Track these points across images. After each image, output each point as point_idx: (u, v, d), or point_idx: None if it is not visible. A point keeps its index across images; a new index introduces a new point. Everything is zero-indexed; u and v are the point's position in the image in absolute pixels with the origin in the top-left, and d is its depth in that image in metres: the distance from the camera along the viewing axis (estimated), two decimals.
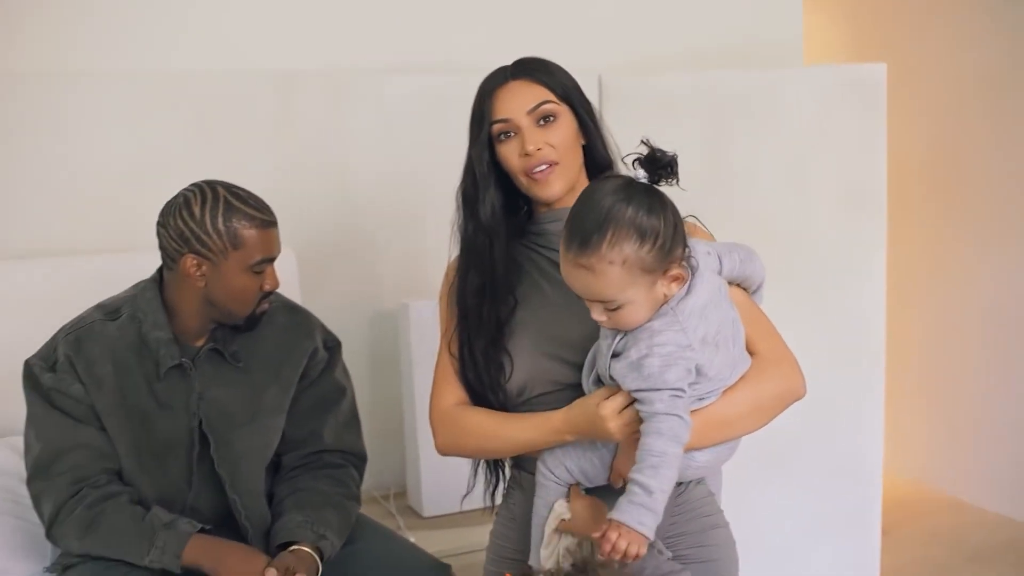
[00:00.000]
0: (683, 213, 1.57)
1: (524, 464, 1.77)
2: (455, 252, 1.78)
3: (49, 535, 1.91)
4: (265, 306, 1.97)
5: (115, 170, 2.66)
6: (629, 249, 1.45)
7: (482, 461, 1.85)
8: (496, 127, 1.67)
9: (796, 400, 1.69)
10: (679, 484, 1.66)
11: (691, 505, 1.70)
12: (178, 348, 1.96)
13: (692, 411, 1.54)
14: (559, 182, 1.67)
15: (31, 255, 2.56)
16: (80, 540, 1.85)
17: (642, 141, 1.51)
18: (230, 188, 1.94)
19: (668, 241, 1.48)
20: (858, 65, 3.38)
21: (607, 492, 1.63)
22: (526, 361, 1.67)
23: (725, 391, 1.60)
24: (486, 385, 1.69)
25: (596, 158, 1.73)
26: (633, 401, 1.52)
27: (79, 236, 2.62)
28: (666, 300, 1.51)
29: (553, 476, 1.67)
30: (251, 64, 2.80)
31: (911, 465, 4.24)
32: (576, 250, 1.47)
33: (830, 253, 3.15)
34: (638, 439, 1.51)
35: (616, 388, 1.54)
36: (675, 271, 1.50)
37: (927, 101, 4.09)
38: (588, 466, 1.64)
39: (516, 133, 1.66)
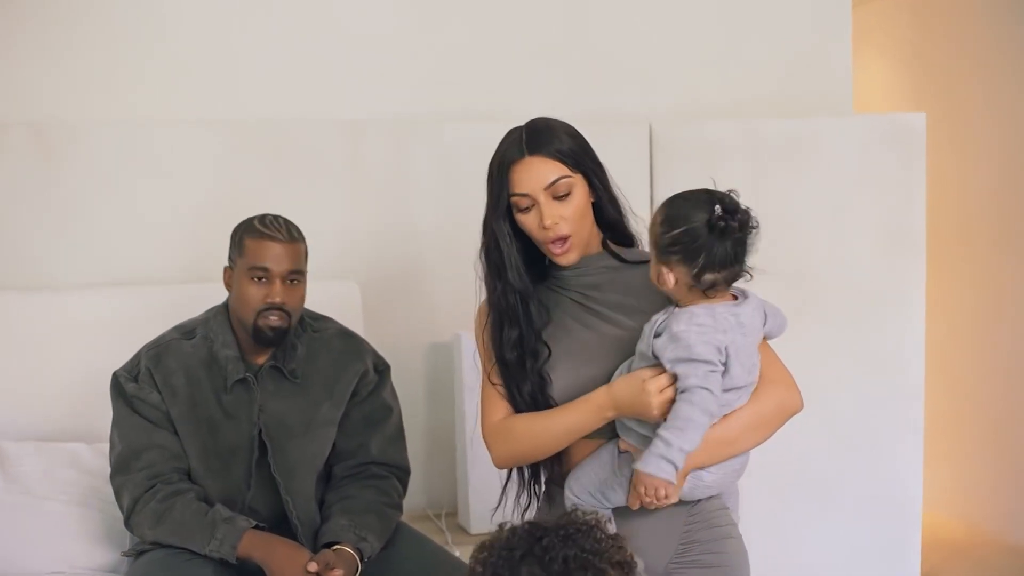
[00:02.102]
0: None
1: (556, 479, 1.90)
2: (482, 294, 1.94)
3: (127, 524, 2.18)
4: (274, 320, 2.17)
5: (194, 210, 2.93)
6: (656, 219, 1.74)
7: (514, 478, 1.97)
8: (515, 199, 1.79)
9: (794, 413, 1.85)
10: (695, 501, 1.82)
11: (703, 516, 1.83)
12: (243, 364, 2.23)
13: None
14: (574, 252, 1.82)
15: (118, 284, 2.85)
16: (152, 529, 2.11)
17: (729, 191, 1.72)
18: (267, 215, 2.24)
19: (672, 245, 1.70)
20: (899, 114, 3.52)
21: (633, 516, 1.80)
22: (569, 396, 1.82)
23: (727, 414, 1.77)
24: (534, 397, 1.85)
25: (606, 213, 1.87)
26: (674, 381, 1.70)
27: (160, 268, 2.90)
28: (675, 294, 1.74)
29: (579, 500, 1.84)
30: (321, 113, 3.07)
31: (954, 504, 4.25)
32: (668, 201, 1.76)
33: (871, 293, 3.27)
34: None
35: (660, 368, 1.72)
36: (665, 270, 1.72)
37: (968, 148, 4.17)
38: (608, 489, 1.81)
39: (533, 204, 1.78)
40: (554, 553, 1.31)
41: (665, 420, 1.70)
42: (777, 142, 3.33)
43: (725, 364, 1.72)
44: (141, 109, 2.94)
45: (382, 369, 2.38)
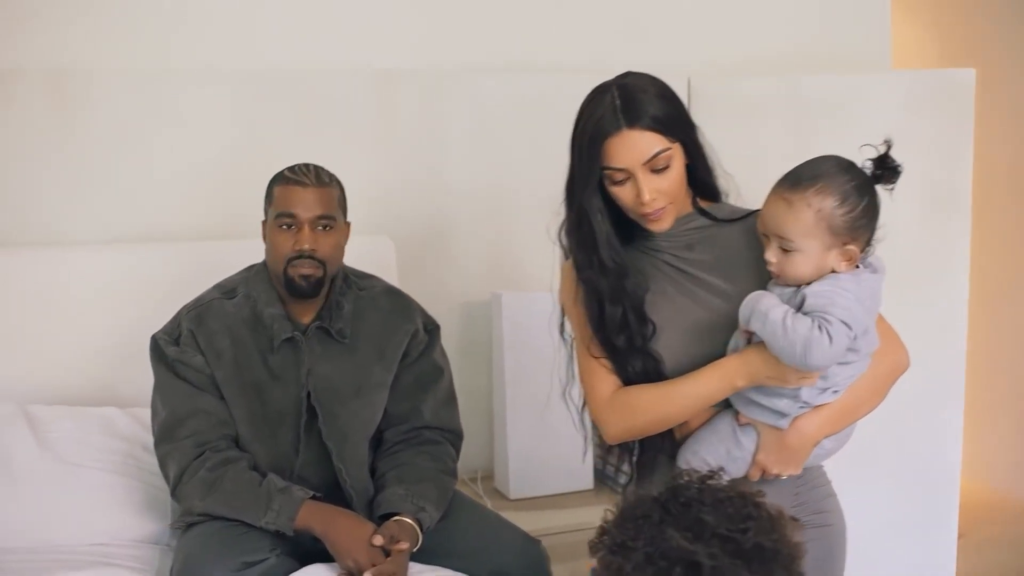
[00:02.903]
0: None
1: (662, 448, 1.79)
2: (555, 251, 1.86)
3: (174, 494, 2.06)
4: (305, 269, 2.05)
5: (217, 163, 2.80)
6: (830, 203, 1.59)
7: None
8: (609, 172, 1.67)
9: (903, 370, 1.80)
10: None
11: (808, 478, 1.79)
12: (290, 323, 2.10)
13: (823, 404, 1.68)
14: (670, 218, 1.71)
15: (138, 240, 2.72)
16: (202, 500, 2.00)
17: (884, 141, 1.65)
18: (299, 164, 2.12)
19: (859, 220, 1.61)
20: (946, 70, 3.40)
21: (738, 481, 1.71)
22: (679, 362, 1.72)
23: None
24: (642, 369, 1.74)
25: (698, 174, 1.75)
26: None
27: (183, 223, 2.77)
28: (832, 272, 1.63)
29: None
30: (351, 63, 2.93)
31: (989, 471, 4.21)
32: (786, 187, 1.63)
33: (913, 256, 3.18)
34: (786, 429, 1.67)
35: None
36: (851, 248, 1.62)
37: (1014, 106, 4.07)
38: (728, 462, 1.71)
39: (629, 177, 1.66)
40: (700, 504, 1.19)
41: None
42: (818, 99, 3.22)
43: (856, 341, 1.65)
44: (163, 58, 2.79)
45: (432, 329, 2.27)
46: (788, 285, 1.66)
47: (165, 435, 2.06)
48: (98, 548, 2.09)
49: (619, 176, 1.65)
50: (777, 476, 1.71)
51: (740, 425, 1.72)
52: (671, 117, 1.66)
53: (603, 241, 1.71)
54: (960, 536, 3.23)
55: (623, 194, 1.67)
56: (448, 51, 3.01)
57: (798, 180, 1.62)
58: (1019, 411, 4.17)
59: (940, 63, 4.19)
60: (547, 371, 2.71)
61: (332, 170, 2.17)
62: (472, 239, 3.01)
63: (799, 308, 1.61)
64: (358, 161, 2.83)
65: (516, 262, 3.01)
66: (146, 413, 2.27)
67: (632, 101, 1.65)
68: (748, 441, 1.72)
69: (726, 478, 1.67)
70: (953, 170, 3.23)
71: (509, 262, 3.01)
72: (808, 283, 1.64)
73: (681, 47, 3.24)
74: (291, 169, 2.12)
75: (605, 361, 1.75)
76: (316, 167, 2.14)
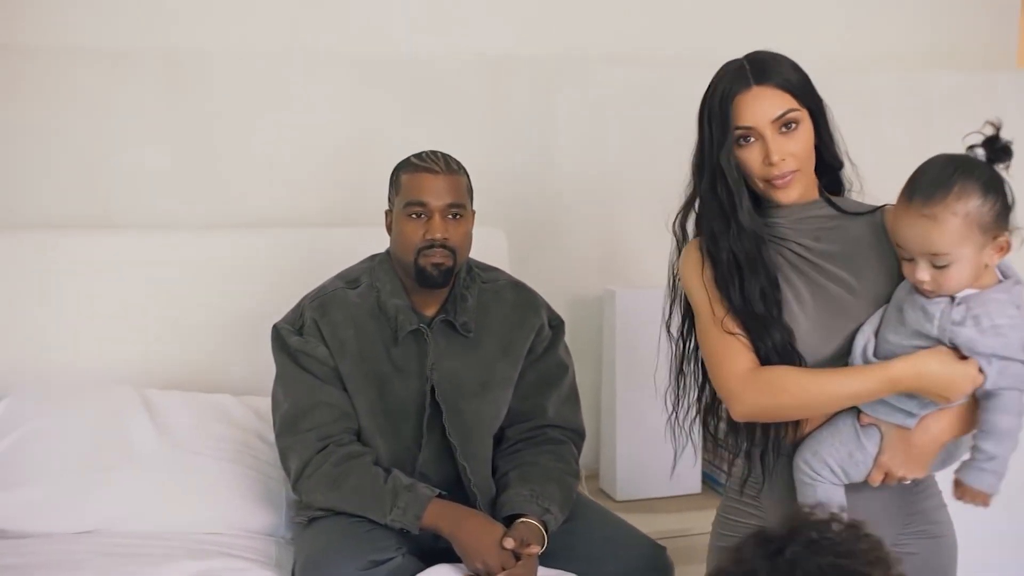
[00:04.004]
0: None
1: (780, 448, 1.74)
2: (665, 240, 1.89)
3: (295, 488, 2.01)
4: (438, 259, 2.00)
5: (328, 148, 2.76)
6: (974, 203, 1.53)
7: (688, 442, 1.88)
8: (738, 132, 1.66)
9: None
10: None
11: (923, 486, 1.74)
12: (415, 315, 2.05)
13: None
14: (798, 187, 1.68)
15: (259, 225, 2.68)
16: (325, 495, 1.95)
17: (989, 122, 1.59)
18: (425, 151, 2.07)
19: (1003, 208, 1.56)
20: None
21: (864, 489, 1.67)
22: (818, 350, 1.67)
23: None
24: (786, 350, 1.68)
25: (825, 156, 1.73)
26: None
27: (293, 209, 2.73)
28: (984, 273, 1.58)
29: (815, 474, 1.69)
30: (463, 49, 2.86)
31: None
32: (921, 200, 1.55)
33: None
34: (912, 427, 1.62)
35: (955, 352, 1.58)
36: (1003, 239, 1.57)
37: None
38: (850, 464, 1.67)
39: (757, 139, 1.66)
40: (806, 565, 1.12)
41: (979, 427, 1.61)
42: (940, 96, 3.11)
43: None
44: (275, 40, 2.75)
45: (556, 324, 2.21)
46: (941, 296, 1.58)
47: (287, 427, 2.02)
48: (214, 537, 2.05)
49: (748, 135, 1.65)
50: (901, 480, 1.66)
51: (863, 426, 1.66)
52: (801, 83, 1.67)
53: (740, 204, 1.68)
54: None
55: (751, 157, 1.66)
56: (561, 38, 2.93)
57: (931, 191, 1.55)
58: None
59: None
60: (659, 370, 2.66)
61: None
62: (584, 233, 2.93)
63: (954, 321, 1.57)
64: (469, 150, 2.75)
65: (629, 257, 2.94)
66: (261, 401, 2.24)
67: (760, 63, 1.67)
68: (871, 443, 1.66)
69: (846, 482, 1.66)
70: None
71: (622, 257, 2.93)
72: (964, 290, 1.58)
73: (800, 41, 3.11)
74: (419, 156, 2.07)
75: (742, 338, 1.67)
76: (444, 154, 2.08)
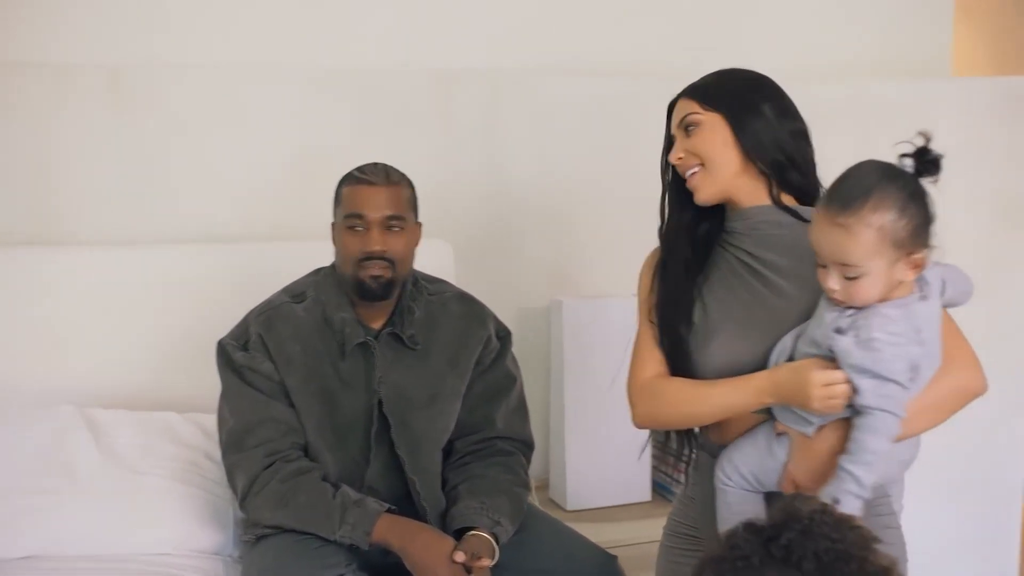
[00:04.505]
0: None
1: (709, 448, 1.81)
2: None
3: (242, 506, 1.99)
4: (376, 271, 2.00)
5: (282, 162, 2.74)
6: (888, 217, 1.49)
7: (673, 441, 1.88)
8: (670, 137, 1.82)
9: (975, 396, 1.69)
10: None
11: (868, 505, 1.67)
12: (361, 329, 2.04)
13: None
14: (703, 186, 1.74)
15: (197, 240, 2.66)
16: (273, 512, 1.93)
17: (919, 132, 1.57)
18: (369, 163, 2.07)
19: (921, 225, 1.52)
20: (1013, 78, 3.34)
21: (779, 498, 1.65)
22: (724, 355, 1.71)
23: None
24: (683, 355, 1.75)
25: (751, 157, 1.73)
26: (846, 381, 1.53)
27: (241, 224, 2.71)
28: (898, 287, 1.54)
29: (730, 481, 1.71)
30: (412, 62, 2.87)
31: None
32: (836, 209, 1.52)
33: (979, 264, 3.10)
34: (812, 437, 1.59)
35: (830, 362, 1.56)
36: (917, 256, 1.53)
37: None
38: (762, 471, 1.68)
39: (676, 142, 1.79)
40: (802, 550, 1.14)
41: (847, 446, 1.55)
42: (880, 105, 3.16)
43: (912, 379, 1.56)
44: (221, 54, 2.72)
45: (504, 335, 2.21)
46: (851, 307, 1.56)
47: (233, 444, 2.00)
48: (161, 558, 2.03)
49: (672, 139, 1.80)
50: (813, 492, 1.60)
51: (777, 434, 1.67)
52: (714, 88, 1.76)
53: (674, 204, 1.81)
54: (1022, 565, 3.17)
55: (671, 158, 1.79)
56: (509, 51, 2.94)
57: (848, 200, 1.51)
58: None
59: (1000, 71, 4.13)
60: (608, 380, 2.68)
61: None
62: (532, 244, 2.94)
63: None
64: (418, 163, 2.75)
65: (577, 268, 2.96)
66: (207, 419, 2.21)
67: (699, 79, 1.80)
68: (781, 451, 1.66)
69: (761, 490, 1.66)
70: (1019, 178, 3.16)
71: (570, 268, 2.95)
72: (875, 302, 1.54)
73: (743, 53, 3.16)
74: (360, 169, 2.07)
75: (655, 331, 1.78)
76: (386, 166, 2.08)
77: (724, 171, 1.73)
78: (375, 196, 2.01)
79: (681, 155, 1.75)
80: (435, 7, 2.89)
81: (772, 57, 3.18)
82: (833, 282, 1.55)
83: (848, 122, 3.12)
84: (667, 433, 1.89)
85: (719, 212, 1.79)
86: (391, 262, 2.01)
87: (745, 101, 1.74)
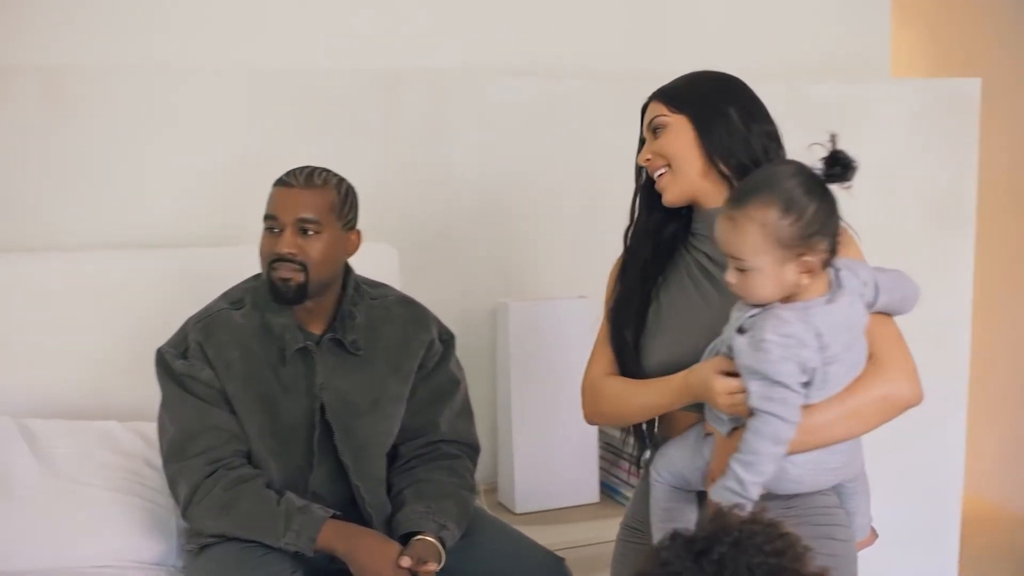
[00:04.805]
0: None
1: (658, 442, 1.83)
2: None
3: (185, 515, 1.96)
4: (286, 274, 1.97)
5: (218, 165, 2.70)
6: (772, 215, 1.52)
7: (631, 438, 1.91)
8: (641, 141, 1.85)
9: (907, 407, 1.66)
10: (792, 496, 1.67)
11: (801, 511, 1.68)
12: (301, 333, 2.03)
13: None
14: (671, 187, 1.77)
15: (138, 245, 2.61)
16: (216, 520, 1.91)
17: (830, 136, 1.57)
18: (299, 166, 2.05)
19: (812, 226, 1.52)
20: (951, 79, 3.40)
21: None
22: (672, 353, 1.73)
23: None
24: (629, 356, 1.80)
25: (714, 159, 1.74)
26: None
27: (192, 227, 2.66)
28: (796, 290, 1.55)
29: (660, 478, 1.75)
30: (356, 63, 2.85)
31: (995, 485, 4.19)
32: (730, 203, 1.58)
33: (917, 265, 3.13)
34: (729, 437, 1.61)
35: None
36: (808, 259, 1.53)
37: (1018, 116, 4.07)
38: (690, 470, 1.70)
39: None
40: (734, 564, 1.13)
41: (738, 444, 1.56)
42: (822, 105, 3.20)
43: (809, 381, 1.55)
44: (161, 55, 2.68)
45: (447, 339, 2.20)
46: (755, 305, 1.57)
47: (174, 453, 1.97)
48: (102, 570, 1.99)
49: (642, 141, 1.83)
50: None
51: (705, 434, 1.69)
52: (681, 90, 1.79)
53: (642, 205, 1.84)
54: (963, 558, 3.22)
55: (640, 159, 1.82)
56: (454, 52, 2.93)
57: (740, 196, 1.56)
58: (1020, 422, 4.17)
59: (937, 72, 4.20)
60: (554, 382, 2.68)
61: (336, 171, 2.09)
62: (478, 246, 2.93)
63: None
64: (362, 165, 2.73)
65: (524, 270, 2.95)
66: (149, 427, 2.18)
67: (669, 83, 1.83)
68: (707, 451, 1.67)
69: (690, 490, 1.69)
70: (958, 179, 3.22)
71: (516, 270, 2.95)
72: (774, 301, 1.55)
73: (687, 55, 3.18)
74: (288, 171, 2.05)
75: (608, 351, 1.83)
76: (314, 169, 2.05)
77: (689, 173, 1.75)
78: (290, 198, 1.99)
79: (649, 156, 1.79)
80: (380, 6, 2.88)
81: (715, 59, 3.19)
82: (730, 275, 1.58)
83: (789, 123, 3.15)
84: (626, 431, 1.92)
85: (689, 214, 1.81)
86: (303, 265, 1.98)
87: (711, 103, 1.76)
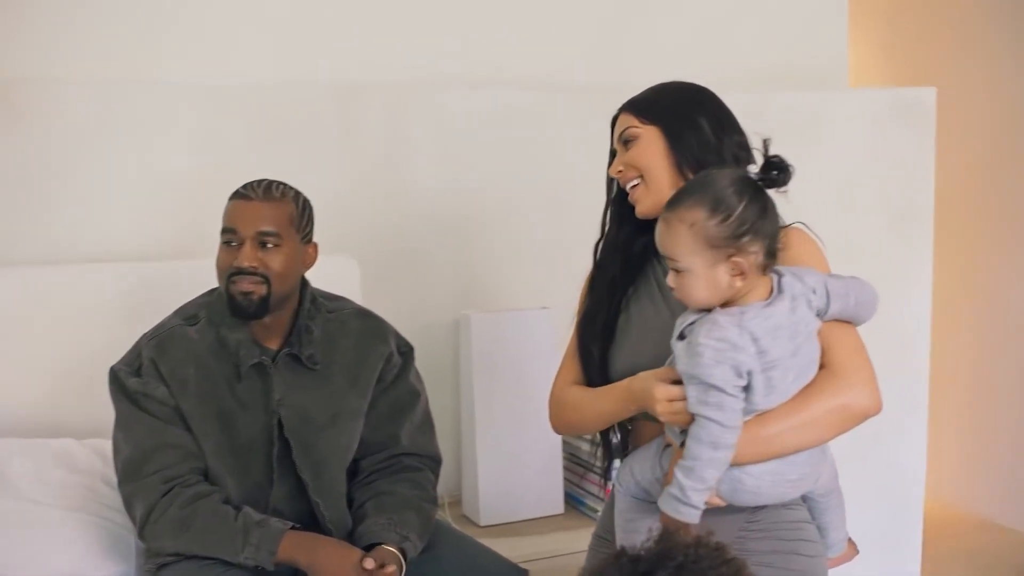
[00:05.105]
0: (789, 221, 1.66)
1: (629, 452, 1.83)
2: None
3: (141, 535, 1.94)
4: (247, 287, 1.96)
5: (181, 178, 2.69)
6: (700, 215, 1.53)
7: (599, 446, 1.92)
8: (612, 153, 1.84)
9: (864, 417, 1.62)
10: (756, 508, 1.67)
11: (763, 526, 1.68)
12: (257, 348, 2.01)
13: None
14: (644, 199, 1.76)
15: (91, 260, 2.58)
16: (174, 539, 1.89)
17: (764, 141, 1.58)
18: (256, 179, 2.03)
19: (741, 226, 1.52)
20: (908, 89, 3.44)
21: None
22: (635, 362, 1.73)
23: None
24: (594, 368, 1.81)
25: (682, 168, 1.74)
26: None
27: (146, 242, 2.64)
28: (733, 294, 1.55)
29: (622, 487, 1.74)
30: (314, 76, 2.84)
31: (958, 489, 4.23)
32: (666, 206, 1.59)
33: (876, 272, 3.15)
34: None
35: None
36: (738, 260, 1.53)
37: (972, 124, 4.12)
38: (651, 482, 1.69)
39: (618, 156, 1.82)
40: None
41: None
42: (780, 114, 3.22)
43: (749, 385, 1.53)
44: (117, 68, 2.67)
45: (406, 351, 2.19)
46: (697, 310, 1.58)
47: (129, 473, 1.94)
48: None
49: (615, 153, 1.82)
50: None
51: (664, 446, 1.68)
52: (651, 102, 1.79)
53: (612, 217, 1.85)
54: (925, 560, 3.25)
55: (611, 170, 1.82)
56: (412, 64, 2.93)
57: (675, 198, 1.59)
58: (979, 426, 4.22)
59: (893, 82, 4.24)
60: (517, 393, 2.67)
61: (296, 186, 2.07)
62: (439, 258, 2.93)
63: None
64: (320, 179, 2.72)
65: (485, 282, 2.95)
66: (105, 444, 2.14)
67: (638, 95, 1.82)
68: (666, 462, 1.66)
69: (653, 500, 1.66)
70: (915, 187, 3.26)
71: (478, 282, 2.95)
72: (713, 306, 1.56)
73: (645, 65, 3.20)
74: (245, 184, 2.03)
75: (575, 362, 1.84)
76: (271, 182, 2.03)
77: (661, 183, 1.74)
78: (249, 211, 1.98)
79: (620, 168, 1.78)
80: (336, 19, 2.87)
81: (675, 69, 3.20)
82: (670, 277, 1.59)
83: (747, 130, 3.18)
84: (596, 444, 1.93)
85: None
86: (265, 278, 1.96)
87: (681, 114, 1.76)
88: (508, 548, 2.51)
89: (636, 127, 1.77)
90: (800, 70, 3.43)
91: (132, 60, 2.68)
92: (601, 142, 1.90)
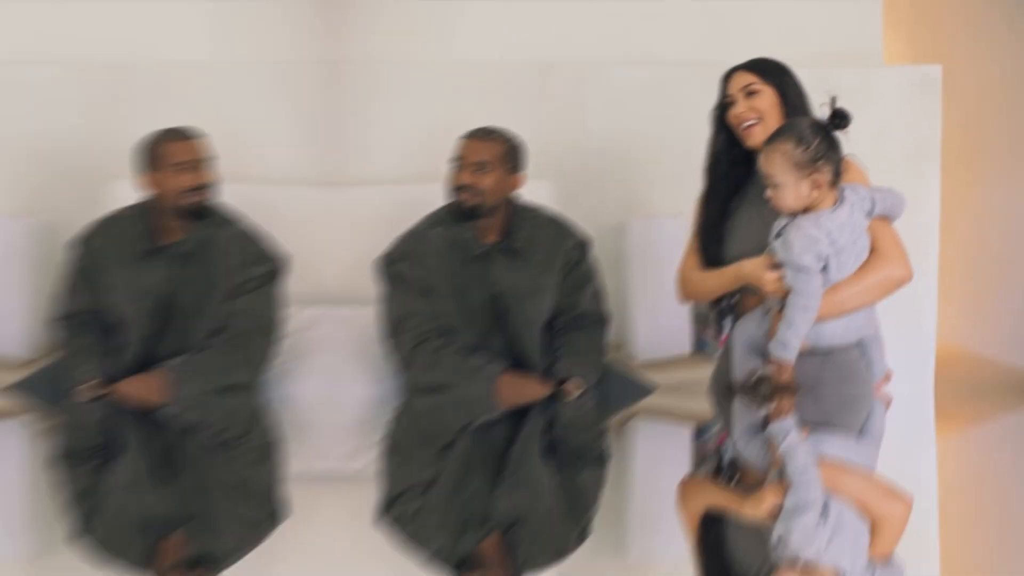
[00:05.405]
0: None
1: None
2: None
3: (406, 370, 2.94)
4: (465, 195, 2.91)
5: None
6: (788, 145, 2.26)
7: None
8: (726, 99, 2.52)
9: (901, 284, 2.36)
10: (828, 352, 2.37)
11: (832, 364, 2.40)
12: (479, 243, 2.96)
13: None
14: (760, 134, 2.42)
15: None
16: (424, 374, 2.92)
17: (832, 97, 2.30)
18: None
19: (815, 155, 2.23)
20: (914, 67, 3.63)
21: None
22: (734, 250, 2.48)
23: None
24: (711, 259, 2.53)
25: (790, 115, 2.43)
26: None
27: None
28: (811, 202, 2.25)
29: (738, 340, 2.48)
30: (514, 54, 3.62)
31: (958, 327, 3.91)
32: (766, 142, 2.31)
33: None
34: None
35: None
36: (817, 177, 2.24)
37: (975, 100, 3.94)
38: (757, 336, 2.42)
39: (734, 102, 2.50)
40: None
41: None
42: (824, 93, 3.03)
43: (825, 266, 2.24)
44: None
45: (585, 242, 3.05)
46: (784, 215, 2.28)
47: (392, 329, 2.92)
48: None
49: (730, 100, 2.49)
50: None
51: (766, 312, 2.40)
52: (767, 65, 2.51)
53: (715, 140, 2.53)
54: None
55: (732, 113, 2.48)
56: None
57: (774, 135, 2.29)
58: (991, 272, 4.05)
59: (902, 59, 4.01)
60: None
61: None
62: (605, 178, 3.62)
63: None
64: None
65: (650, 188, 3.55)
66: None
67: (751, 61, 2.55)
68: (767, 322, 2.39)
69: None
70: (922, 164, 3.44)
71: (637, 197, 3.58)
72: (795, 213, 2.25)
73: (677, 44, 3.63)
74: (472, 129, 2.97)
75: (695, 252, 2.54)
76: (490, 128, 2.97)
77: (772, 124, 2.41)
78: (470, 146, 2.91)
79: (743, 109, 2.43)
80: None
81: (702, 48, 3.54)
82: (768, 191, 2.30)
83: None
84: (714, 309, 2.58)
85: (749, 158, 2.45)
86: (479, 192, 2.88)
87: (787, 80, 2.48)
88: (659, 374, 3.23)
89: (757, 84, 2.45)
90: (834, 50, 3.57)
91: None
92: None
